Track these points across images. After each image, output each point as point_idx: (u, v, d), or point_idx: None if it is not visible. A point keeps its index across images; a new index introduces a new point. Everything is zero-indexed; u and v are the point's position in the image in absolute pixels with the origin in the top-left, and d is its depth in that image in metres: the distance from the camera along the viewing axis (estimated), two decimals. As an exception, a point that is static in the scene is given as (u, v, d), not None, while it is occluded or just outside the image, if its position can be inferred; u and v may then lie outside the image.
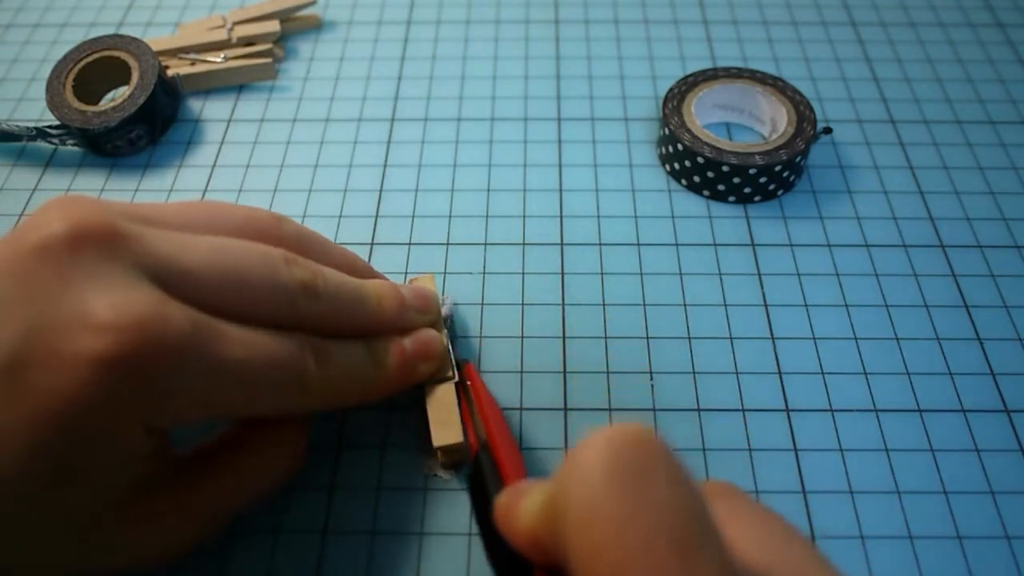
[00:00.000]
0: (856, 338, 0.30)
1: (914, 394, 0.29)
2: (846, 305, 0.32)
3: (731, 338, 0.30)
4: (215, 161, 0.37)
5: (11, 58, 0.43)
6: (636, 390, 0.29)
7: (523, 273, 0.32)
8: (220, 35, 0.41)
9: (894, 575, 0.25)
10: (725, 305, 0.31)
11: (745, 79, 0.38)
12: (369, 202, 0.35)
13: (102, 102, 0.39)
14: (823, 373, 0.29)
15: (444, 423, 0.26)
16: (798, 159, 0.35)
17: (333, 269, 0.25)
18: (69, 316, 0.19)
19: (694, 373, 0.29)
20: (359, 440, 0.28)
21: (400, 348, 0.26)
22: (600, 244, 0.34)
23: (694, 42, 0.43)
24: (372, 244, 0.34)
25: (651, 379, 0.29)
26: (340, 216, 0.35)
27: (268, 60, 0.41)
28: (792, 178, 0.35)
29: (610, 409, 0.28)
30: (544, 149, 0.38)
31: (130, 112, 0.36)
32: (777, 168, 0.34)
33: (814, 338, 0.30)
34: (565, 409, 0.28)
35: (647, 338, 0.30)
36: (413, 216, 0.35)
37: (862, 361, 0.30)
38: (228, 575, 0.25)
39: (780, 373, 0.29)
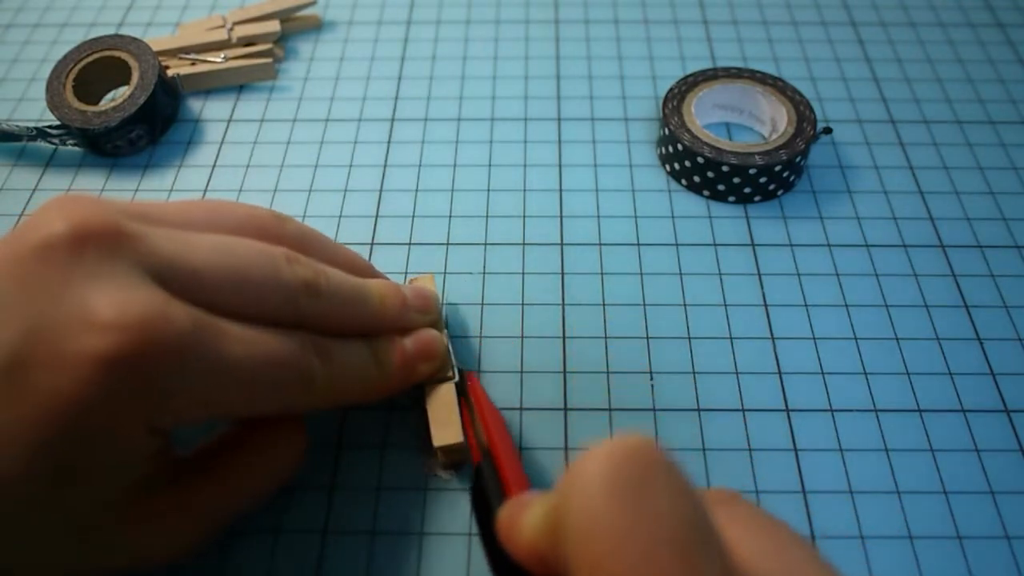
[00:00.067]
0: (856, 338, 0.31)
1: (914, 394, 0.29)
2: (846, 305, 0.32)
3: (731, 338, 0.30)
4: (215, 161, 0.37)
5: (11, 58, 0.43)
6: (636, 390, 0.29)
7: (523, 273, 0.32)
8: (220, 35, 0.41)
9: (894, 575, 0.25)
10: (725, 305, 0.32)
11: (745, 79, 0.38)
12: (369, 202, 0.35)
13: (102, 102, 0.39)
14: (823, 373, 0.29)
15: (444, 423, 0.26)
16: (798, 159, 0.35)
17: (335, 268, 0.25)
18: (70, 315, 0.19)
19: (694, 373, 0.29)
20: (359, 440, 0.28)
21: (401, 348, 0.26)
22: (600, 244, 0.34)
23: (694, 42, 0.43)
24: (372, 244, 0.34)
25: (651, 379, 0.29)
26: (340, 216, 0.35)
27: (268, 60, 0.41)
28: (792, 178, 0.35)
29: (610, 409, 0.28)
30: (544, 149, 0.38)
31: (130, 112, 0.36)
32: (777, 168, 0.34)
33: (814, 338, 0.30)
34: (565, 409, 0.28)
35: (647, 338, 0.30)
36: (413, 216, 0.35)
37: (862, 361, 0.30)
38: (228, 575, 0.25)
39: (780, 373, 0.29)
